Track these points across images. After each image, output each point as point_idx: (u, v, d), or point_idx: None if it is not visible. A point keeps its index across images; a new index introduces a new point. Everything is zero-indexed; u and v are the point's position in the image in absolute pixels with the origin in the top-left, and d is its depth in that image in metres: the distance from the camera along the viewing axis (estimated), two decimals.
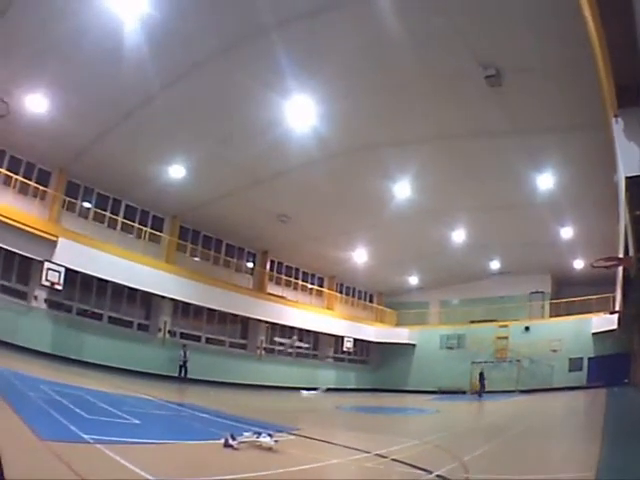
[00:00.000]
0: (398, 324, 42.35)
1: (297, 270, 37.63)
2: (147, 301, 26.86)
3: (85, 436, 7.45)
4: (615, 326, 29.48)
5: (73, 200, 24.09)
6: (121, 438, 7.98)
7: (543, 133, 19.14)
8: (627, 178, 8.79)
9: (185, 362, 25.51)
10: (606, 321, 30.62)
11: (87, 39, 14.72)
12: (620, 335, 30.29)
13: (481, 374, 34.14)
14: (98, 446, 6.98)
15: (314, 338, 37.50)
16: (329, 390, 34.16)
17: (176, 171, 22.83)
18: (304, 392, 31.35)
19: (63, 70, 16.57)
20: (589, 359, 33.29)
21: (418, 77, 16.66)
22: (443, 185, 24.78)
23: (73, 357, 21.25)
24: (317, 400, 27.69)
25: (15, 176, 21.71)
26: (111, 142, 20.79)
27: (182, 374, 25.40)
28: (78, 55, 15.57)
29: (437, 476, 7.04)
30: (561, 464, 8.75)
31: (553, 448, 10.60)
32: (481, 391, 32.80)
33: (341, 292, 41.22)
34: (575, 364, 33.29)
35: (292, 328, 34.60)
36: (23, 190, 22.20)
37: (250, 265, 34.19)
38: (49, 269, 21.23)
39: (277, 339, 34.59)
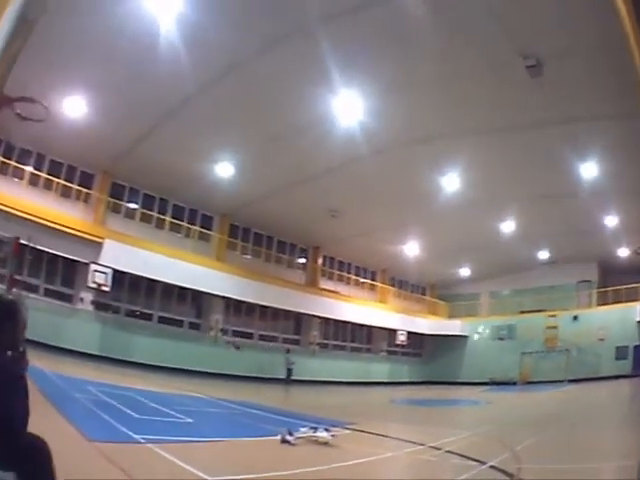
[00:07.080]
0: (450, 316, 41.98)
1: (349, 265, 37.40)
2: (198, 300, 26.92)
3: (136, 436, 7.37)
4: None
5: (119, 202, 24.21)
6: (174, 437, 7.89)
7: (587, 121, 18.66)
8: None
9: (292, 364, 26.76)
10: None
11: (123, 40, 14.63)
12: None
13: None
14: (150, 446, 6.89)
15: (367, 332, 37.26)
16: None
17: (224, 169, 22.71)
18: None
19: (101, 72, 16.50)
20: (635, 347, 32.81)
21: (462, 69, 16.41)
22: (491, 177, 24.44)
23: (122, 358, 21.35)
24: (370, 394, 27.59)
25: (56, 179, 21.91)
26: (154, 143, 20.70)
27: (289, 377, 26.69)
28: (116, 56, 15.54)
29: (490, 467, 7.18)
30: (608, 453, 9.01)
31: (602, 438, 10.75)
32: None
33: (393, 285, 40.83)
34: (621, 352, 32.87)
35: (345, 323, 34.38)
36: (65, 193, 22.32)
37: (302, 261, 34.07)
38: (95, 271, 21.28)
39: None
